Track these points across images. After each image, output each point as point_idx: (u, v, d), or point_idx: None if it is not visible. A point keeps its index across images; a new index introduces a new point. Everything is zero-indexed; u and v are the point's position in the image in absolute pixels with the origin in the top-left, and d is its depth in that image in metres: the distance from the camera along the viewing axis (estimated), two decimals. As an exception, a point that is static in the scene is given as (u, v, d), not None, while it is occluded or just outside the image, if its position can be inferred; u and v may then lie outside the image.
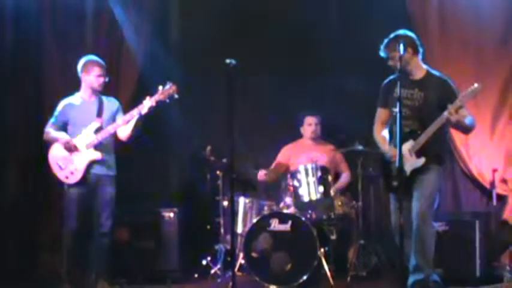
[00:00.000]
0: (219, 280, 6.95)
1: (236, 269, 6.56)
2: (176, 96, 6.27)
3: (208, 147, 7.26)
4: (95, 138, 6.32)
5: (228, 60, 5.35)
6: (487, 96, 6.91)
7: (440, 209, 5.91)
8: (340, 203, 6.97)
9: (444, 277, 5.86)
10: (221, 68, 5.31)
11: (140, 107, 6.25)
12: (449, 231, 6.54)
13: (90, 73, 6.47)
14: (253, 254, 6.58)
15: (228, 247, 7.00)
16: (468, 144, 7.09)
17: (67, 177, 6.32)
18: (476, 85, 5.44)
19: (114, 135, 6.46)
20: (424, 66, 5.79)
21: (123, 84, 7.63)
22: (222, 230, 7.23)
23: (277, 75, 7.66)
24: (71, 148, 6.31)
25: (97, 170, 6.36)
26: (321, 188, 6.78)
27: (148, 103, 6.23)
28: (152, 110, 6.25)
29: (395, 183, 5.51)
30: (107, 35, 7.71)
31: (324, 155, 7.24)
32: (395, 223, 5.59)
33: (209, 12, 7.60)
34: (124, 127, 6.38)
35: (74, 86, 6.62)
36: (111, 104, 6.57)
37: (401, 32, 5.71)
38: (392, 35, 5.68)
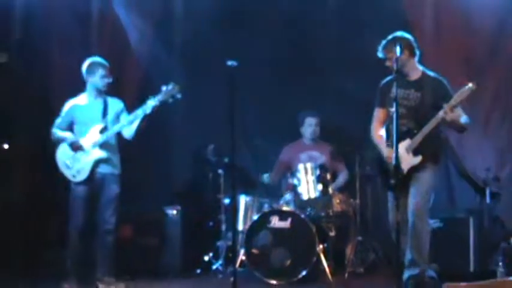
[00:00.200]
0: (220, 276, 6.97)
1: (237, 265, 6.58)
2: (179, 96, 6.27)
3: (210, 147, 7.27)
4: (101, 138, 6.33)
5: (229, 62, 5.36)
6: (480, 96, 6.89)
7: (436, 206, 5.91)
8: (338, 201, 7.01)
9: (439, 272, 5.85)
10: (223, 69, 5.32)
11: (144, 107, 6.25)
12: (444, 227, 6.55)
13: (95, 74, 6.47)
14: (254, 250, 6.60)
15: (230, 244, 7.02)
16: (462, 143, 7.11)
17: (74, 176, 6.33)
18: (470, 85, 5.46)
19: (119, 135, 6.48)
20: (420, 68, 5.81)
21: (127, 84, 7.64)
22: (223, 227, 7.26)
23: (278, 75, 7.68)
24: (77, 148, 6.33)
25: (102, 168, 6.36)
26: (320, 186, 6.80)
27: (152, 103, 6.23)
28: (156, 110, 6.27)
29: (392, 181, 5.52)
30: (111, 37, 7.73)
31: (323, 154, 7.26)
32: (393, 220, 5.60)
33: (210, 15, 7.59)
34: (128, 127, 6.39)
35: (79, 87, 6.63)
36: (115, 104, 6.57)
37: (398, 34, 5.73)
38: (390, 37, 5.70)
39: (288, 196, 7.02)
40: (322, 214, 6.92)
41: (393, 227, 5.45)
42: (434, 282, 5.66)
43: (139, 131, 6.38)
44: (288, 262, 6.50)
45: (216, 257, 7.23)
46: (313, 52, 7.76)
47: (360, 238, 7.02)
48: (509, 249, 6.56)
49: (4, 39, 7.53)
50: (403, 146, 5.59)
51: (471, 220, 6.57)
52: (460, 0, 7.18)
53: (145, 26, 7.73)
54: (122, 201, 6.46)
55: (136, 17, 7.66)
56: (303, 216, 6.61)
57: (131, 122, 6.34)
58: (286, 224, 6.61)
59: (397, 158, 5.19)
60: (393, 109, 5.26)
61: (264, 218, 6.66)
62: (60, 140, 6.43)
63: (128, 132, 6.42)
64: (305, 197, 6.82)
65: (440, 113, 5.45)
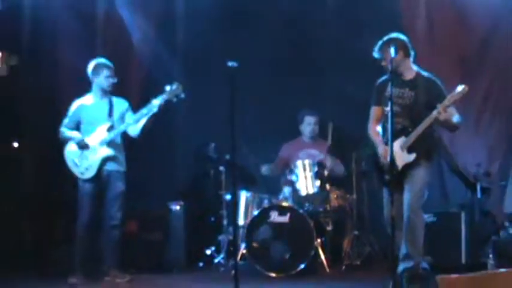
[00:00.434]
0: (222, 269, 6.99)
1: (238, 258, 6.59)
2: (183, 95, 6.30)
3: (212, 145, 7.29)
4: (107, 136, 6.38)
5: (230, 63, 5.39)
6: (472, 94, 6.88)
7: (429, 201, 5.94)
8: (335, 196, 7.04)
9: (432, 264, 5.87)
10: (223, 69, 5.35)
11: (149, 106, 6.28)
12: (437, 222, 6.57)
13: (100, 75, 6.50)
14: (254, 244, 6.63)
15: (231, 238, 7.01)
16: (454, 140, 7.14)
17: (82, 173, 6.38)
18: (463, 86, 5.49)
19: (125, 134, 6.51)
20: (415, 68, 5.82)
21: (131, 84, 7.67)
22: (225, 222, 7.26)
23: (278, 75, 7.70)
24: (84, 146, 6.38)
25: (109, 166, 6.40)
26: (318, 182, 6.84)
27: (157, 102, 6.26)
28: (160, 109, 6.30)
29: (387, 178, 5.56)
30: (115, 38, 7.75)
31: (321, 152, 7.27)
32: (388, 215, 5.63)
33: (211, 15, 7.59)
34: (134, 125, 6.43)
35: (85, 87, 6.67)
36: (121, 103, 6.60)
37: (394, 35, 5.74)
38: (385, 38, 5.71)
39: (286, 192, 7.05)
40: (320, 209, 6.95)
41: (388, 221, 5.45)
42: (428, 274, 5.65)
43: (145, 129, 6.41)
44: (287, 255, 6.54)
45: (217, 251, 7.25)
46: (313, 52, 7.77)
47: (356, 232, 7.04)
48: (499, 242, 6.58)
49: (14, 43, 7.57)
50: (398, 143, 5.60)
51: (463, 214, 6.59)
52: (453, 2, 7.22)
53: (148, 26, 7.75)
54: (128, 197, 6.50)
55: (139, 18, 7.67)
56: (301, 211, 6.65)
57: (137, 121, 6.37)
58: (285, 218, 6.64)
59: (391, 155, 5.23)
60: (388, 108, 5.29)
61: (264, 213, 6.69)
62: (68, 139, 6.47)
63: (134, 131, 6.45)
64: (303, 192, 6.86)
65: (434, 113, 5.47)
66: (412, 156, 5.63)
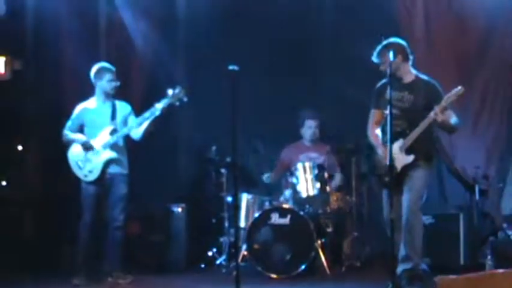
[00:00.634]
0: (223, 270, 6.98)
1: (240, 260, 6.54)
2: (185, 99, 6.32)
3: (213, 148, 7.30)
4: (111, 139, 6.39)
5: (231, 67, 5.40)
6: (470, 98, 6.94)
7: (428, 203, 5.94)
8: (335, 198, 7.03)
9: (431, 265, 5.89)
10: (225, 72, 5.36)
11: (152, 109, 6.29)
12: (436, 223, 6.58)
13: (103, 78, 6.51)
14: (256, 246, 6.64)
15: (232, 240, 7.00)
16: (452, 143, 7.15)
17: (85, 176, 6.39)
18: (459, 87, 5.50)
19: (127, 137, 6.52)
20: (414, 71, 5.82)
21: (134, 88, 7.69)
22: (226, 224, 7.26)
23: (279, 77, 7.71)
24: (88, 148, 6.39)
25: (112, 169, 6.41)
26: (318, 185, 6.85)
27: (160, 106, 6.28)
28: (163, 113, 6.31)
29: (386, 179, 5.56)
30: (118, 42, 7.77)
31: (321, 155, 7.27)
32: (387, 216, 5.64)
33: (213, 19, 7.62)
34: (137, 129, 6.43)
35: (89, 91, 6.68)
36: (123, 107, 6.61)
37: (392, 40, 5.74)
38: (384, 43, 5.70)
39: (287, 194, 7.06)
40: (320, 211, 6.95)
41: (388, 223, 5.47)
42: (427, 275, 5.68)
43: (148, 133, 6.43)
44: (288, 257, 6.55)
45: (219, 253, 7.25)
46: (313, 55, 7.78)
47: (356, 234, 7.04)
48: (498, 243, 6.60)
49: (18, 47, 7.59)
50: (397, 145, 5.61)
51: (461, 216, 6.59)
52: (451, 4, 7.24)
53: (151, 30, 7.75)
54: (130, 199, 6.51)
55: (142, 22, 7.68)
56: (302, 213, 6.66)
57: (139, 124, 6.38)
58: (286, 220, 6.65)
59: (391, 157, 5.24)
60: (387, 111, 5.30)
61: (265, 215, 6.70)
62: (71, 142, 6.48)
63: (136, 134, 6.46)
64: (304, 194, 6.87)
65: (431, 114, 5.48)
66: (411, 157, 5.64)
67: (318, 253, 6.58)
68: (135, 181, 6.62)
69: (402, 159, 5.65)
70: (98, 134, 6.42)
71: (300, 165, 6.90)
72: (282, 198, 7.08)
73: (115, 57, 7.37)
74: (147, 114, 6.33)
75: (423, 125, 5.56)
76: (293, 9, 7.63)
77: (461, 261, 6.50)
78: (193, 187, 8.00)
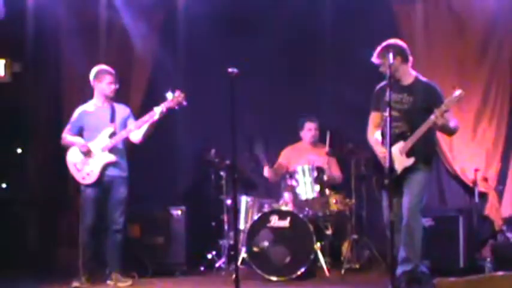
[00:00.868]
0: (223, 273, 6.97)
1: (239, 263, 6.55)
2: (185, 103, 6.32)
3: (213, 150, 7.29)
4: (109, 142, 6.38)
5: (230, 69, 5.40)
6: (469, 101, 6.95)
7: (427, 205, 5.94)
8: (334, 201, 7.03)
9: (430, 268, 5.88)
10: (224, 75, 5.35)
11: (152, 113, 6.29)
12: (435, 226, 6.56)
13: (102, 81, 6.51)
14: (255, 249, 6.61)
15: (232, 242, 6.99)
16: (452, 145, 7.16)
17: (84, 178, 6.37)
18: (460, 91, 5.50)
19: (127, 139, 6.52)
20: (413, 73, 5.82)
21: (134, 91, 7.70)
22: (225, 227, 7.24)
23: (278, 80, 7.72)
24: (87, 152, 6.38)
25: (111, 171, 6.41)
26: (317, 187, 6.84)
27: (159, 110, 6.27)
28: (163, 116, 6.31)
29: (386, 182, 5.54)
30: (118, 45, 7.78)
31: (321, 157, 7.26)
32: (387, 219, 5.63)
33: (212, 22, 7.61)
34: (136, 131, 6.44)
35: (88, 94, 6.67)
36: (122, 110, 6.62)
37: (391, 41, 5.74)
38: (383, 44, 5.71)
39: (286, 196, 7.05)
40: (320, 214, 6.95)
41: (387, 225, 5.48)
42: (426, 277, 5.68)
43: (147, 135, 6.43)
44: (288, 259, 6.53)
45: (218, 255, 7.23)
46: (312, 58, 7.78)
47: (355, 236, 7.01)
48: (497, 246, 6.61)
49: (18, 50, 7.59)
50: (397, 147, 5.61)
51: (461, 218, 6.57)
52: (450, 7, 7.24)
53: (150, 34, 7.76)
54: (130, 202, 6.51)
55: (141, 25, 7.68)
56: (301, 215, 6.65)
57: (139, 127, 6.38)
58: (285, 223, 6.64)
59: (390, 159, 5.23)
60: (387, 113, 5.29)
61: (264, 218, 6.68)
62: (70, 145, 6.48)
63: (136, 137, 6.46)
64: (303, 197, 6.86)
65: (432, 117, 5.48)
66: (411, 160, 5.64)
67: (317, 255, 6.57)
68: (135, 184, 6.61)
69: (402, 162, 5.65)
70: (97, 137, 6.41)
71: (299, 168, 6.90)
72: (281, 201, 7.06)
73: (114, 60, 7.36)
74: (146, 117, 6.33)
75: (423, 128, 5.55)
76: (292, 12, 7.62)
77: (461, 264, 6.49)
78: (193, 190, 7.98)
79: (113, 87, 6.54)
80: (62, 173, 6.69)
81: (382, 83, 5.83)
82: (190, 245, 7.27)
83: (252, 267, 6.60)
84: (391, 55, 5.41)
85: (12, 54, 7.46)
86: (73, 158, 6.43)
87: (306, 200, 6.87)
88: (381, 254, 6.88)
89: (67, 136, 6.52)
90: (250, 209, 7.12)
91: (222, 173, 7.36)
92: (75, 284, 6.28)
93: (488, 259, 6.45)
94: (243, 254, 6.75)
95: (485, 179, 7.05)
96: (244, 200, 7.14)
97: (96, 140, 6.40)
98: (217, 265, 7.14)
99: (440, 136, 6.50)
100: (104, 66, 6.60)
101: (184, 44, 8.10)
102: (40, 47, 7.69)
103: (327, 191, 6.93)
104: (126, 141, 6.54)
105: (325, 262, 6.63)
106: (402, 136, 5.65)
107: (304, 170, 6.88)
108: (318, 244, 6.59)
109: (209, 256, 7.27)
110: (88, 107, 6.58)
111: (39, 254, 7.40)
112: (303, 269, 6.46)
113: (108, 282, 6.40)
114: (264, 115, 7.78)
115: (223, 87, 5.42)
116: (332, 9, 7.68)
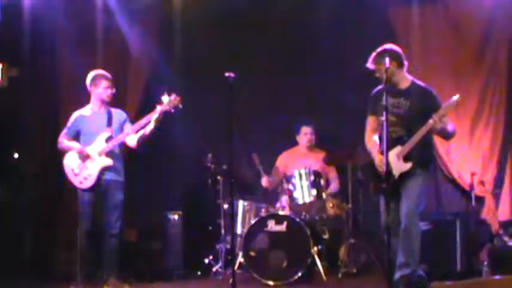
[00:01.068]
0: (220, 277, 6.95)
1: (236, 267, 6.55)
2: (181, 106, 6.32)
3: (209, 155, 7.29)
4: (106, 146, 6.37)
5: (227, 74, 5.40)
6: (466, 105, 6.98)
7: (425, 209, 5.94)
8: (331, 205, 7.04)
9: (428, 272, 5.88)
10: (221, 80, 5.35)
11: (148, 116, 6.29)
12: (433, 229, 6.56)
13: (99, 86, 6.51)
14: (252, 253, 6.62)
15: (229, 247, 6.99)
16: (449, 150, 7.17)
17: (81, 183, 6.36)
18: (457, 96, 5.51)
19: (123, 144, 6.52)
20: (409, 77, 5.80)
21: (130, 94, 7.71)
22: (222, 231, 7.21)
23: (275, 83, 7.73)
24: (84, 156, 6.37)
25: (108, 176, 6.39)
26: (314, 191, 6.84)
27: (155, 113, 6.28)
28: (159, 120, 6.30)
29: (384, 186, 5.53)
30: (115, 50, 7.78)
31: (317, 162, 7.27)
32: (385, 223, 5.62)
33: (210, 26, 7.63)
34: (132, 136, 6.43)
35: (85, 98, 6.67)
36: (119, 114, 6.61)
37: (387, 46, 5.73)
38: (379, 49, 5.70)
39: (283, 201, 7.05)
40: (317, 218, 6.95)
41: (385, 229, 5.48)
42: (424, 281, 5.67)
43: (144, 140, 6.42)
44: (285, 264, 6.53)
45: (215, 260, 7.22)
46: (310, 61, 7.78)
47: (352, 240, 7.00)
48: (494, 250, 6.61)
49: (14, 54, 7.58)
50: (394, 152, 5.60)
51: (458, 222, 6.57)
52: (447, 10, 7.25)
53: (147, 37, 7.75)
54: (127, 206, 6.49)
55: (138, 29, 7.68)
56: (298, 220, 6.65)
57: (136, 131, 6.38)
58: (282, 227, 6.63)
59: (387, 164, 5.23)
60: (383, 117, 5.29)
61: (261, 222, 6.68)
62: (67, 149, 6.47)
63: (132, 141, 6.46)
64: (300, 201, 6.86)
65: (430, 122, 5.47)
66: (409, 165, 5.61)
67: (314, 260, 6.56)
68: (132, 188, 6.61)
69: (400, 166, 5.62)
70: (93, 141, 6.40)
71: (296, 172, 6.90)
72: (278, 205, 7.06)
73: (111, 64, 7.36)
74: (142, 121, 6.32)
75: (421, 132, 5.54)
76: (289, 16, 7.64)
77: (458, 268, 6.48)
78: (190, 194, 7.96)
79: (110, 91, 6.53)
80: (58, 177, 6.66)
81: (379, 87, 5.81)
82: (187, 250, 7.28)
83: (249, 271, 6.61)
84: (387, 60, 5.40)
85: (9, 59, 7.45)
86: (70, 162, 6.42)
87: (303, 204, 6.87)
88: (378, 258, 6.87)
89: (64, 140, 6.51)
90: (247, 214, 7.12)
91: (218, 178, 7.35)
92: (72, 288, 6.27)
93: (486, 263, 6.44)
94: (240, 259, 6.77)
95: (482, 183, 7.06)
96: (241, 205, 7.15)
97: (93, 144, 6.39)
98: (214, 270, 7.13)
99: (437, 140, 6.51)
100: (100, 71, 6.60)
101: (181, 48, 8.09)
102: (37, 51, 7.69)
103: (324, 195, 6.93)
104: (123, 146, 6.53)
105: (322, 266, 6.62)
106: (399, 140, 5.63)
107: (301, 174, 6.88)
108: (315, 248, 6.59)
109: (206, 261, 7.27)
110: (85, 111, 6.57)
111: (37, 258, 7.37)
112: (300, 273, 6.46)
113: (105, 287, 6.36)
114: (261, 119, 7.76)
115: (220, 91, 5.41)
116: (329, 14, 7.64)
